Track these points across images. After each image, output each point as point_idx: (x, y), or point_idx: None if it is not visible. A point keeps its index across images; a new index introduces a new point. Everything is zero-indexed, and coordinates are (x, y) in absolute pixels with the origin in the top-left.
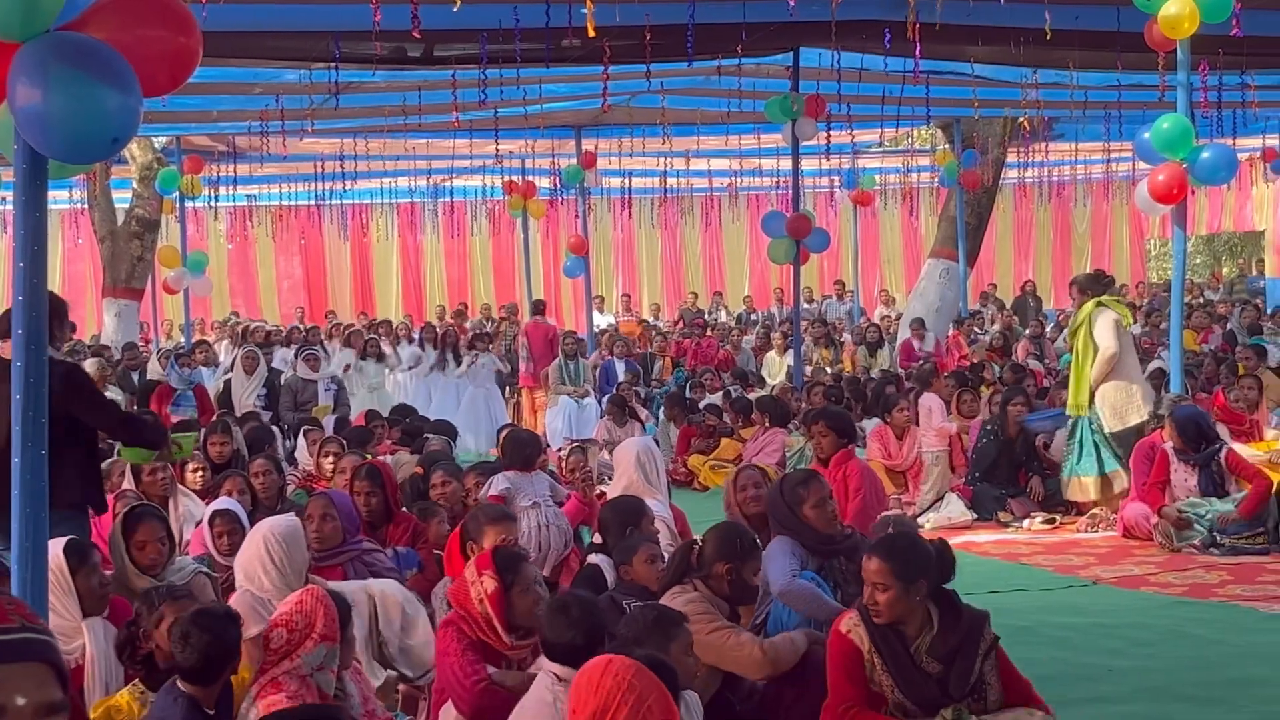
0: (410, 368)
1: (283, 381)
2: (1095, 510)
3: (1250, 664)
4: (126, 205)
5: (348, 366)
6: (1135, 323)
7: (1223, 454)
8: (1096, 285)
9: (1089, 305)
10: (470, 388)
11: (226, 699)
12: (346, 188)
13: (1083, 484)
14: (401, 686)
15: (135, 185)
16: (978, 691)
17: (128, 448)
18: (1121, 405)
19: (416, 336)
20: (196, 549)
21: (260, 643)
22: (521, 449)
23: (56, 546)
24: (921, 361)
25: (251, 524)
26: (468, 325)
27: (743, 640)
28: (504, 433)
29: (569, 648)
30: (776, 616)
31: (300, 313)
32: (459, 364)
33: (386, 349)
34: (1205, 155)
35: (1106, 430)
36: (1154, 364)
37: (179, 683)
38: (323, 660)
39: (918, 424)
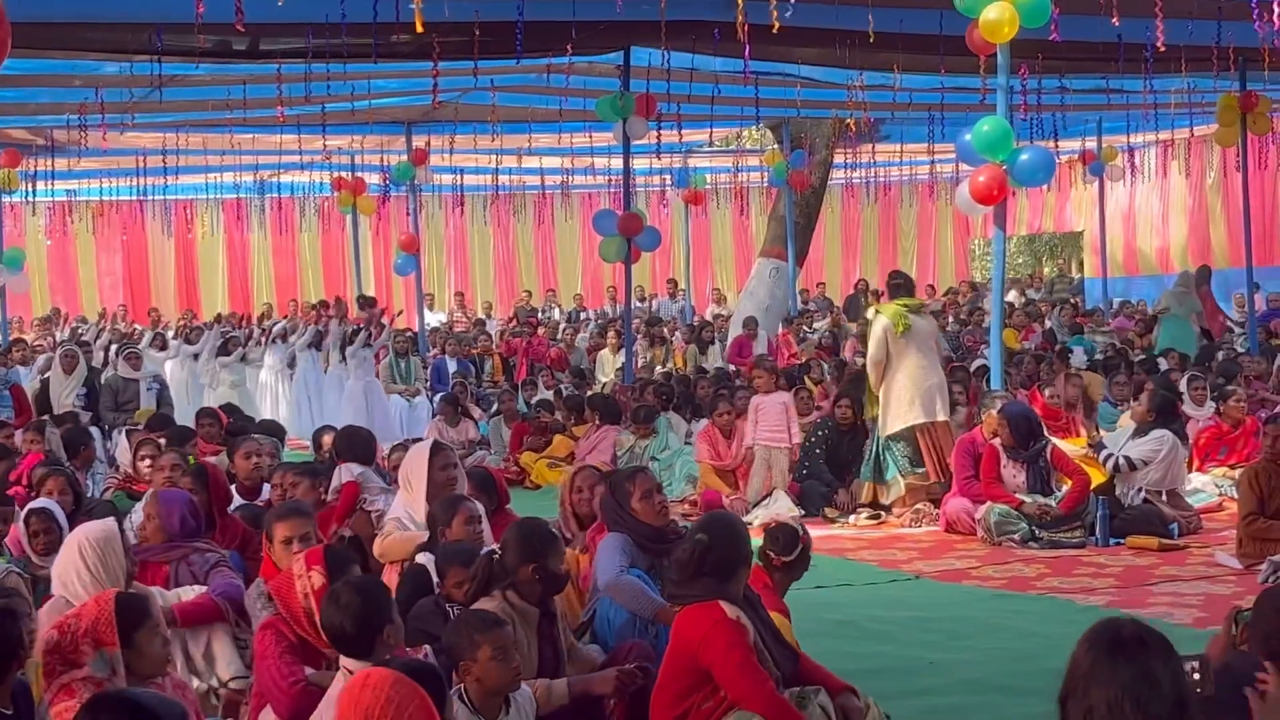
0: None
1: (103, 381)
2: (919, 505)
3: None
4: None
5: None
6: (912, 323)
7: (1048, 450)
8: (890, 290)
9: (870, 313)
10: (350, 382)
11: (28, 700)
12: (169, 183)
13: (863, 488)
14: (223, 691)
15: None
16: None
17: None
18: (892, 409)
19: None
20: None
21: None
22: (362, 445)
23: None
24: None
25: (72, 525)
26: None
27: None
28: (324, 436)
29: (340, 635)
30: (603, 614)
31: (123, 310)
32: (342, 358)
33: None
34: (1024, 157)
35: (883, 433)
36: (977, 361)
37: None
38: (110, 666)
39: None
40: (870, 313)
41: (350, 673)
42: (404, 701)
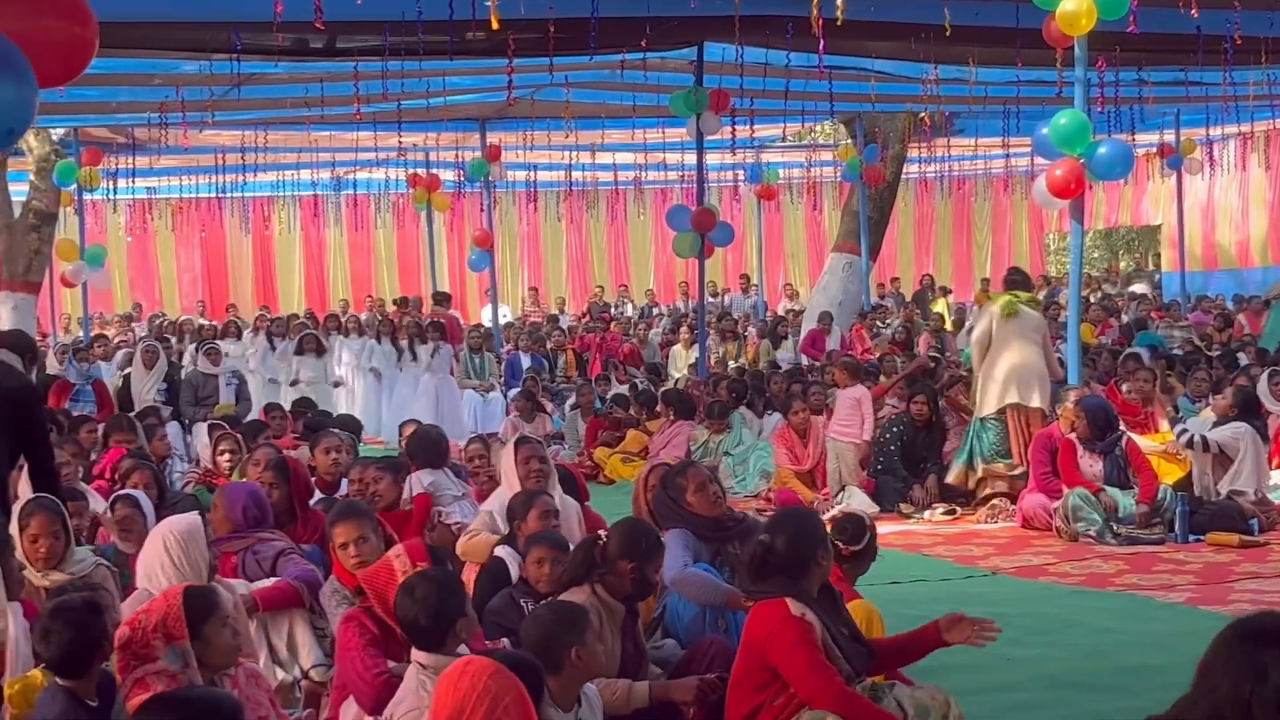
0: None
1: (183, 376)
2: (995, 501)
3: (1145, 652)
4: (23, 198)
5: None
6: (1020, 311)
7: (1124, 443)
8: (1006, 284)
9: (937, 303)
10: (426, 379)
11: (114, 692)
12: (248, 180)
13: (956, 472)
14: (304, 683)
15: (32, 177)
16: None
17: None
18: (988, 390)
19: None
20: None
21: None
22: (433, 446)
23: None
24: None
25: (156, 518)
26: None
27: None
28: (408, 428)
29: (413, 626)
30: (673, 608)
31: (201, 306)
32: (414, 357)
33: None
34: (1102, 150)
35: (978, 414)
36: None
37: (56, 678)
38: (183, 659)
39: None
40: (938, 302)
41: (423, 666)
42: (501, 692)
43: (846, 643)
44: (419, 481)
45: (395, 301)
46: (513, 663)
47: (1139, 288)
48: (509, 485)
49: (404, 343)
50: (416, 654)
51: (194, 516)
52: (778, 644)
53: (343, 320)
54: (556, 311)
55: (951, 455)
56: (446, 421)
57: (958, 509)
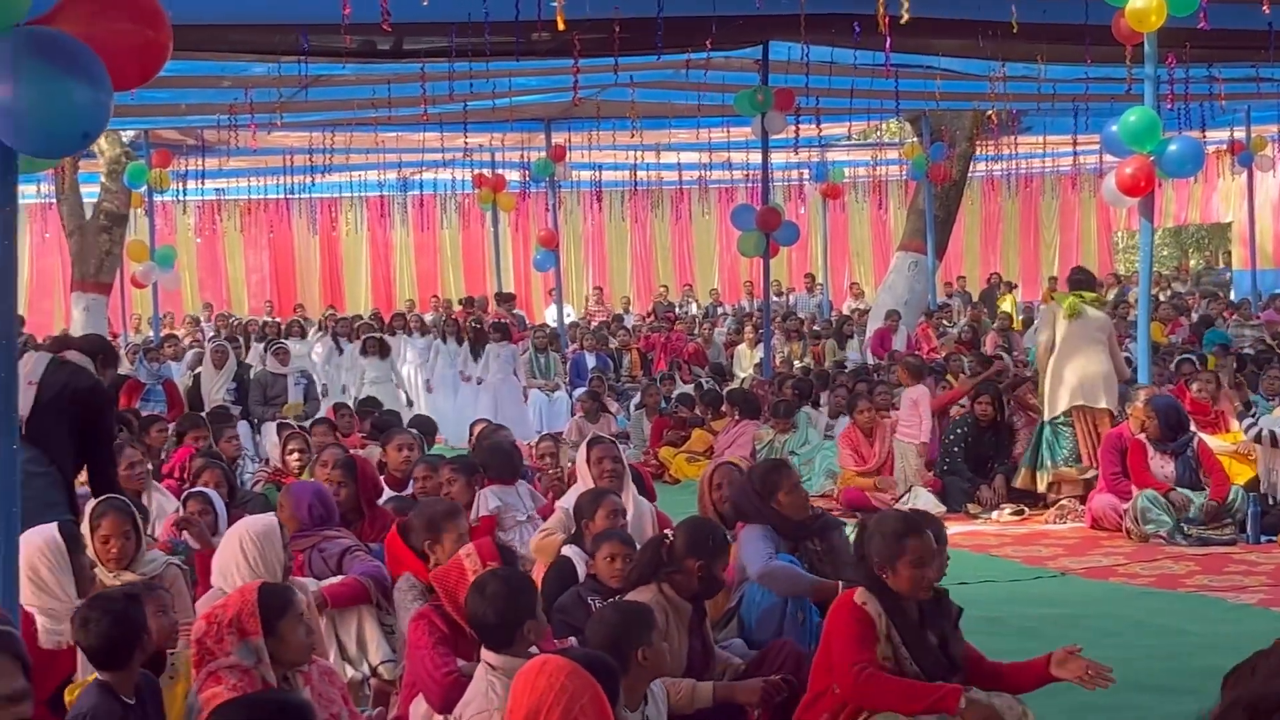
0: (427, 363)
1: (252, 376)
2: (1063, 501)
3: (1217, 654)
4: (94, 199)
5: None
6: (1084, 311)
7: (1195, 444)
8: (1071, 284)
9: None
10: (488, 379)
11: (154, 691)
12: (315, 181)
13: (1023, 475)
14: (373, 681)
15: (103, 179)
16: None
17: None
18: (1055, 391)
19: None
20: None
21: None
22: (506, 460)
23: (51, 529)
24: (899, 353)
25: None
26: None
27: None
28: (479, 429)
29: (482, 625)
30: (751, 599)
31: (269, 307)
32: (476, 357)
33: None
34: (1172, 148)
35: (1047, 416)
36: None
37: (97, 673)
38: (256, 655)
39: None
40: (1005, 300)
41: (492, 666)
42: (578, 692)
43: (924, 648)
44: (485, 502)
45: (460, 301)
46: (589, 662)
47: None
48: (583, 484)
49: (467, 343)
50: (486, 654)
51: (271, 518)
52: (830, 627)
53: (408, 319)
54: (621, 311)
55: (1019, 457)
56: (509, 422)
57: (1025, 509)
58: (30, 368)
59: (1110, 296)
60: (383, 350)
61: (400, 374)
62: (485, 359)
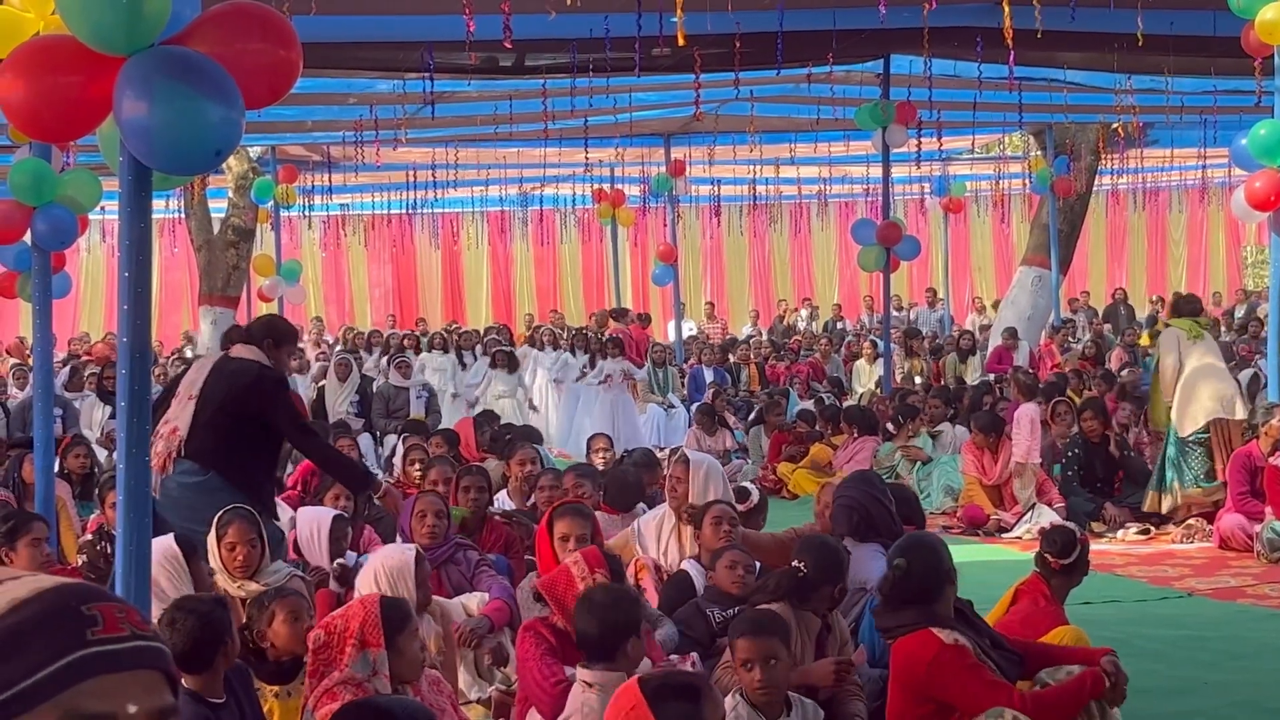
0: (557, 379)
1: (375, 389)
2: (1191, 521)
3: None
4: (222, 214)
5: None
6: (1204, 334)
7: None
8: (1174, 309)
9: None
10: (602, 393)
11: (245, 681)
12: (438, 196)
13: (1150, 497)
14: (493, 693)
15: (231, 194)
16: None
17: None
18: (1189, 408)
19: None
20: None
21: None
22: (624, 491)
23: (168, 539)
24: (1017, 370)
25: (352, 527)
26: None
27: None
28: (596, 442)
29: (585, 637)
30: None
31: (392, 320)
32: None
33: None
34: None
35: (1181, 434)
36: (1248, 370)
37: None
38: (374, 667)
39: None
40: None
41: (588, 683)
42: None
43: (995, 654)
44: None
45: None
46: (671, 686)
47: None
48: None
49: (585, 356)
50: (582, 670)
51: (408, 553)
52: (941, 676)
53: (538, 334)
54: (747, 325)
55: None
56: (623, 436)
57: (1151, 528)
58: (191, 378)
59: (1240, 313)
60: (511, 364)
61: (528, 387)
62: (600, 370)
